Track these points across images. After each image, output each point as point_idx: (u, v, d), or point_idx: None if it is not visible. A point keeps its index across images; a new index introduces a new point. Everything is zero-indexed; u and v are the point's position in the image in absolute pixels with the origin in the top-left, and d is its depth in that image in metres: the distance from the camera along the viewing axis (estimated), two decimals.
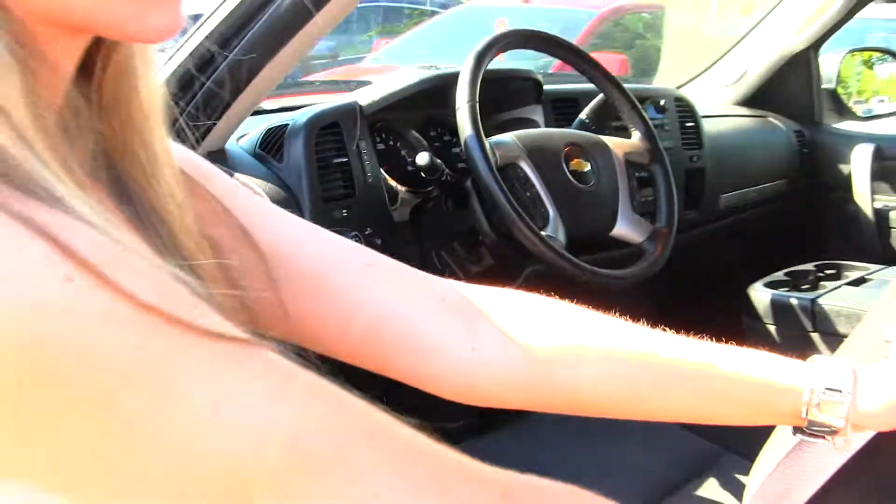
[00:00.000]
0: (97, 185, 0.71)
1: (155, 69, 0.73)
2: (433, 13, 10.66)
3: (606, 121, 2.01)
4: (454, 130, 1.71)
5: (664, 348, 0.90)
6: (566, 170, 1.75)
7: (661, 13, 9.83)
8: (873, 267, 2.32)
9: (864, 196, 2.67)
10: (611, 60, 6.90)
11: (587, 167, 1.78)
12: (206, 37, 1.47)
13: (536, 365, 0.89)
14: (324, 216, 1.58)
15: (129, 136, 0.73)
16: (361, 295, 0.90)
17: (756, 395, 0.88)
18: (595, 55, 1.91)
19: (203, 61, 1.49)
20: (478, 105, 1.62)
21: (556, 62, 2.43)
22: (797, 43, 2.73)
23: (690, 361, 0.89)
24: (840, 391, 0.87)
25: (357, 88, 1.90)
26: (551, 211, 1.67)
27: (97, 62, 0.70)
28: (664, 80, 5.30)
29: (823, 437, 0.89)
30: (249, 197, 0.90)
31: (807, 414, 0.88)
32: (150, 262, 0.57)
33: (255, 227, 0.86)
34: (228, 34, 1.46)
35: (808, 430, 0.89)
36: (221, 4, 1.47)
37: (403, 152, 1.78)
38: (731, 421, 0.92)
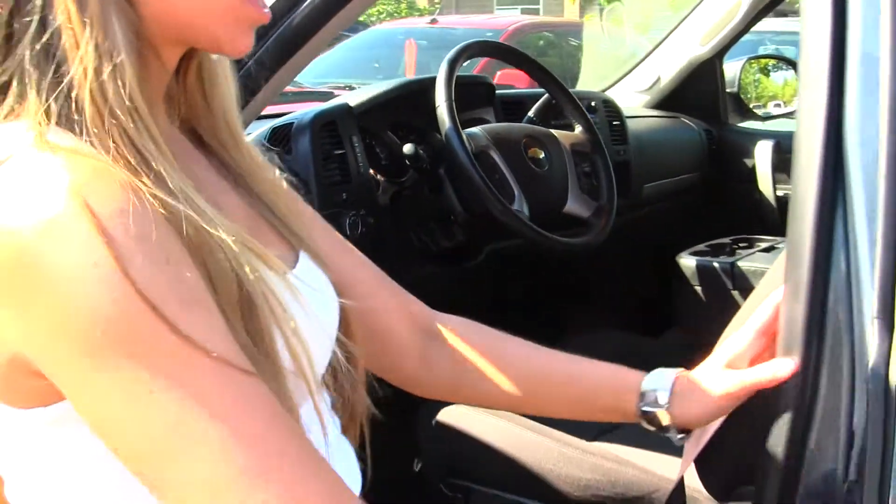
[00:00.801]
0: (197, 157, 0.95)
1: (230, 70, 0.98)
2: (342, 35, 10.93)
3: (550, 119, 2.32)
4: (418, 131, 2.02)
5: (541, 363, 1.15)
6: (525, 157, 2.06)
7: (561, 31, 10.25)
8: (780, 239, 2.67)
9: (767, 186, 3.01)
10: (518, 75, 7.22)
11: (542, 155, 2.10)
12: None
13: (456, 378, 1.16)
14: (328, 198, 1.85)
15: (217, 120, 0.96)
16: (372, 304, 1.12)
17: (604, 399, 1.12)
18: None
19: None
20: (454, 103, 1.92)
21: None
22: (704, 52, 3.00)
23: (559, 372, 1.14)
24: (660, 404, 1.09)
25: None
26: (516, 190, 1.98)
27: (192, 63, 0.93)
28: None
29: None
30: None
31: (640, 417, 1.11)
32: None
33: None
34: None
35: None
36: None
37: (378, 149, 2.07)
38: (585, 418, 1.18)
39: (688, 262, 2.52)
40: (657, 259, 2.66)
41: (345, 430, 1.04)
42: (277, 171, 1.03)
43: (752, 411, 1.36)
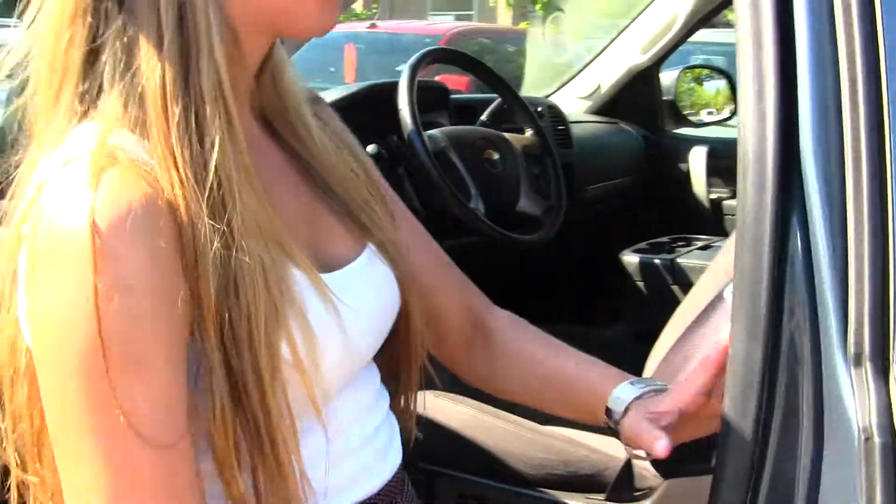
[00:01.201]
0: (268, 148, 0.99)
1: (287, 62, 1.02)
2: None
3: (501, 122, 2.44)
4: (378, 132, 2.13)
5: (555, 366, 1.17)
6: (481, 158, 2.18)
7: (496, 38, 10.41)
8: (716, 238, 2.83)
9: (702, 189, 3.16)
10: (456, 80, 7.33)
11: (496, 156, 2.22)
12: None
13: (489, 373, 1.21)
14: None
15: (289, 112, 1.00)
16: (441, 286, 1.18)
17: (590, 411, 1.12)
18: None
19: None
20: (416, 106, 2.03)
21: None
22: (643, 61, 3.14)
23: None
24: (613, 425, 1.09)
25: None
26: (473, 189, 2.10)
27: (266, 58, 0.97)
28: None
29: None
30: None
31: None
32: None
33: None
34: None
35: None
36: None
37: None
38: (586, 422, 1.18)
39: (631, 258, 2.66)
40: (601, 256, 2.80)
41: (393, 406, 1.10)
42: (356, 161, 1.08)
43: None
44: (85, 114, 0.84)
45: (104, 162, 0.77)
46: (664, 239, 2.81)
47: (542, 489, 1.72)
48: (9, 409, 0.91)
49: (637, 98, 3.25)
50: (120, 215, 0.76)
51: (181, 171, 0.79)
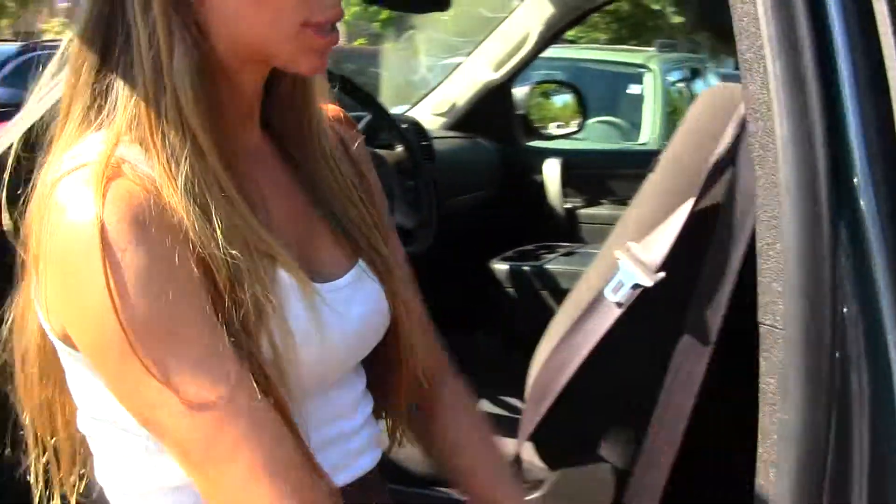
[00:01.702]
0: (274, 164, 1.06)
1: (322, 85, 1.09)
2: None
3: (370, 139, 2.51)
4: None
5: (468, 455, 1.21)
6: None
7: (336, 56, 10.44)
8: (578, 245, 2.98)
9: (557, 198, 3.31)
10: None
11: None
12: None
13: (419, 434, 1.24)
14: None
15: (304, 131, 1.06)
16: None
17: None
18: None
19: None
20: None
21: None
22: (496, 77, 3.25)
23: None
24: None
25: None
26: None
27: (283, 78, 1.04)
28: None
29: None
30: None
31: None
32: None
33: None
34: None
35: None
36: None
37: None
38: None
39: (500, 266, 2.78)
40: (469, 266, 2.89)
41: (377, 413, 1.15)
42: (364, 186, 1.13)
43: (583, 396, 1.59)
44: (95, 124, 0.92)
45: (110, 171, 0.86)
46: (530, 247, 2.94)
47: (435, 487, 1.80)
48: (23, 383, 1.01)
49: (492, 113, 3.34)
50: (126, 213, 0.84)
51: (173, 182, 0.88)
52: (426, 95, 3.44)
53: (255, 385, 0.88)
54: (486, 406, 2.12)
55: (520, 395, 1.72)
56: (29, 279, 0.95)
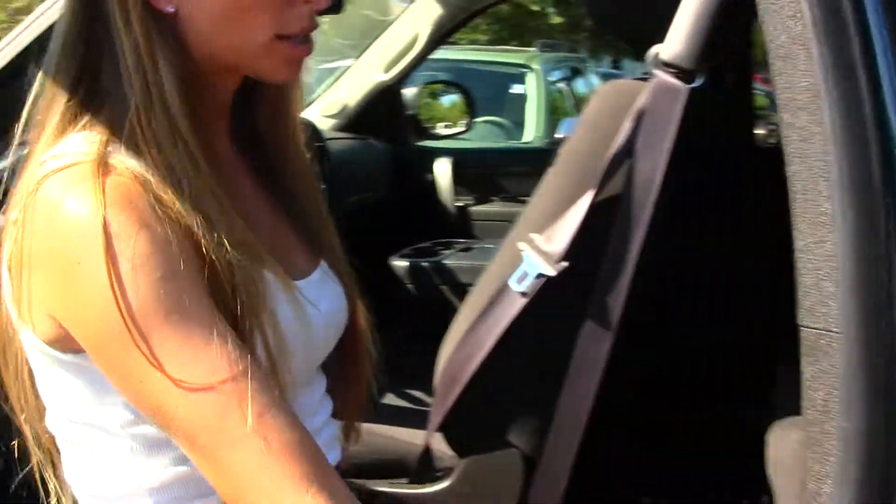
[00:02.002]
0: (246, 168, 1.08)
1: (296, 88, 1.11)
2: None
3: None
4: None
5: None
6: None
7: None
8: (473, 241, 3.04)
9: (448, 197, 3.36)
10: None
11: None
12: None
13: None
14: None
15: (280, 136, 1.09)
16: None
17: None
18: None
19: None
20: None
21: None
22: (387, 78, 3.28)
23: None
24: None
25: None
26: None
27: (267, 88, 1.07)
28: None
29: None
30: None
31: None
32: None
33: None
34: None
35: None
36: None
37: None
38: None
39: (400, 263, 2.82)
40: (367, 264, 2.92)
41: (336, 415, 1.18)
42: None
43: (490, 384, 1.63)
44: (77, 126, 0.94)
45: (104, 167, 0.88)
46: (427, 244, 2.99)
47: (350, 479, 1.83)
48: (4, 372, 1.01)
49: (383, 114, 3.38)
50: (126, 205, 0.86)
51: (169, 184, 0.90)
52: (315, 99, 3.45)
53: (259, 367, 0.89)
54: (394, 400, 2.15)
55: (425, 388, 1.76)
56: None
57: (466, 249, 2.94)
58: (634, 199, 1.43)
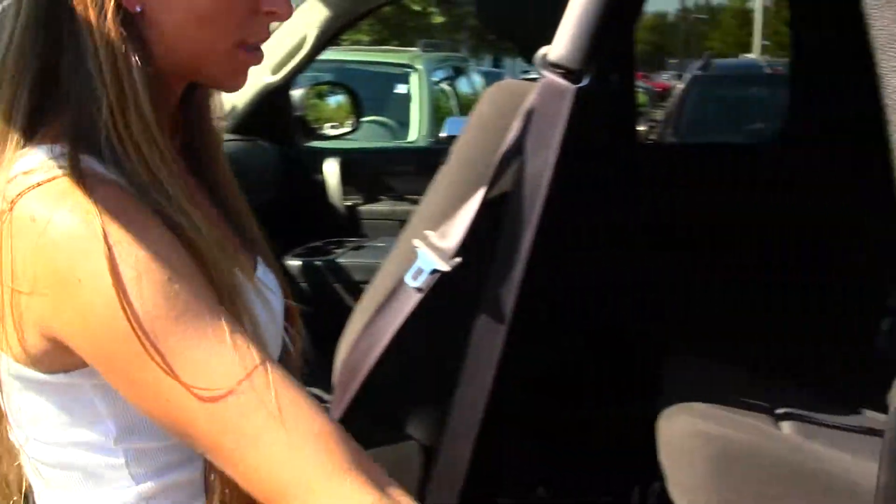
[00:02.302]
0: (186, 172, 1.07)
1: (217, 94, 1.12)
2: None
3: None
4: None
5: None
6: None
7: None
8: (364, 240, 3.08)
9: (337, 197, 3.39)
10: None
11: None
12: None
13: None
14: None
15: (212, 143, 1.10)
16: None
17: None
18: None
19: None
20: None
21: None
22: (275, 80, 3.28)
23: None
24: None
25: None
26: None
27: (196, 91, 1.07)
28: None
29: None
30: None
31: None
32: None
33: None
34: None
35: None
36: None
37: None
38: None
39: (293, 262, 2.84)
40: None
41: None
42: None
43: (389, 378, 1.66)
44: (37, 138, 0.91)
45: (86, 178, 0.86)
46: (318, 243, 3.01)
47: None
48: None
49: (271, 115, 3.39)
50: (119, 212, 0.84)
51: (152, 187, 0.89)
52: None
53: (271, 359, 0.87)
54: None
55: (323, 385, 1.78)
56: None
57: (358, 248, 2.98)
58: (525, 196, 1.48)
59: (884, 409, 2.31)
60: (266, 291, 1.04)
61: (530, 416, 2.51)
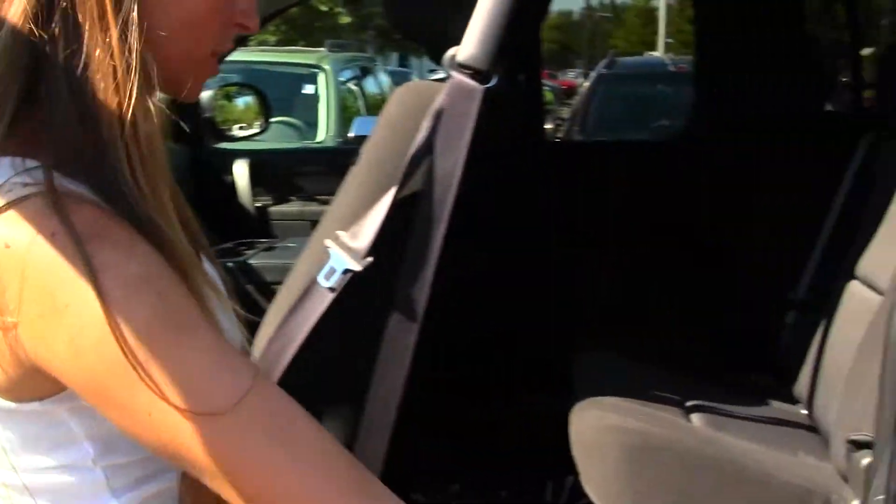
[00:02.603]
0: None
1: None
2: None
3: None
4: None
5: None
6: None
7: None
8: (275, 241, 3.07)
9: (247, 198, 3.38)
10: None
11: None
12: None
13: None
14: None
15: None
16: None
17: None
18: None
19: None
20: None
21: None
22: None
23: None
24: None
25: None
26: None
27: None
28: None
29: None
30: None
31: None
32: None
33: None
34: None
35: None
36: None
37: None
38: None
39: (204, 264, 2.82)
40: None
41: None
42: None
43: (304, 377, 1.68)
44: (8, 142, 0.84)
45: (62, 197, 0.80)
46: (229, 244, 3.00)
47: None
48: None
49: (180, 117, 3.31)
50: (102, 230, 0.80)
51: (140, 201, 0.84)
52: None
53: (262, 373, 0.84)
54: None
55: None
56: None
57: (269, 249, 2.97)
58: (435, 196, 1.50)
59: (790, 400, 2.40)
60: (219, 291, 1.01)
61: (443, 414, 2.52)
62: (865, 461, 1.67)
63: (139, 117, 0.84)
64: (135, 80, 0.83)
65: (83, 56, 0.83)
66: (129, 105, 0.83)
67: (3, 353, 0.82)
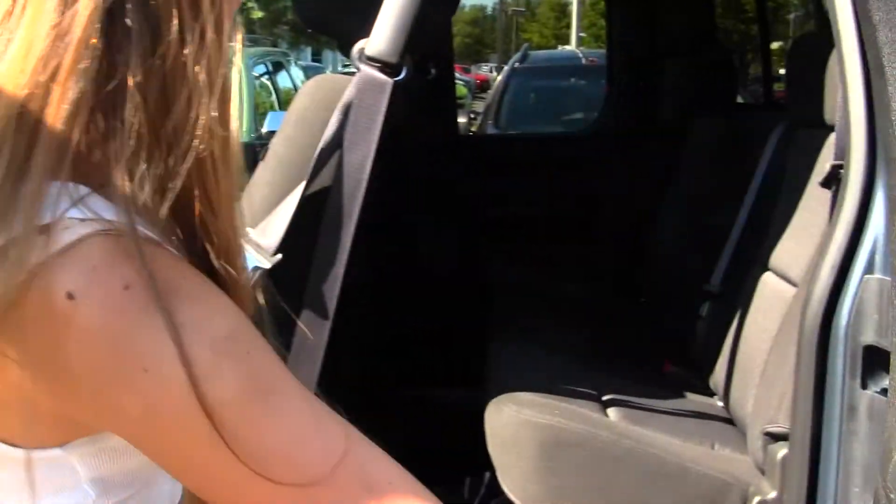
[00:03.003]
0: None
1: None
2: None
3: None
4: None
5: None
6: None
7: None
8: None
9: None
10: None
11: None
12: None
13: None
14: None
15: None
16: None
17: None
18: None
19: None
20: None
21: None
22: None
23: None
24: None
25: None
26: None
27: None
28: None
29: None
30: None
31: None
32: None
33: None
34: None
35: None
36: None
37: None
38: None
39: None
40: None
41: None
42: None
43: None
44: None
45: (134, 242, 0.67)
46: None
47: None
48: None
49: None
50: (186, 290, 0.69)
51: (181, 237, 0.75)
52: None
53: (356, 433, 0.75)
54: None
55: None
56: None
57: None
58: (345, 191, 1.47)
59: (706, 392, 2.42)
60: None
61: (356, 412, 2.49)
62: (782, 453, 1.68)
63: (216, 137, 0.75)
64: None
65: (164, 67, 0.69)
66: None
67: (42, 415, 0.72)
